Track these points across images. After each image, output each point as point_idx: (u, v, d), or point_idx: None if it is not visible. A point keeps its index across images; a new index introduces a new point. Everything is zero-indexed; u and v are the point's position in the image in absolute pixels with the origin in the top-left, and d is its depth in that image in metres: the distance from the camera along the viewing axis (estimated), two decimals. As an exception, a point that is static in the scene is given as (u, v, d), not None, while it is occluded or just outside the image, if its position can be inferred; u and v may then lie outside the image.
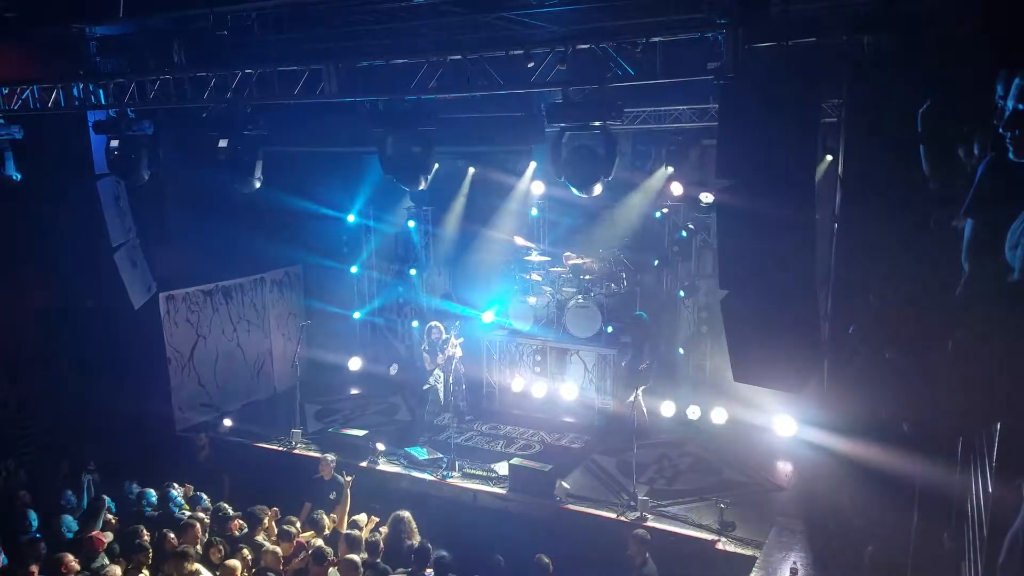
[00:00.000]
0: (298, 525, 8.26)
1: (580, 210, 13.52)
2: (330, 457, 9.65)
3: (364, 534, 8.17)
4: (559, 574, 7.72)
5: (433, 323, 12.01)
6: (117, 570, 7.10)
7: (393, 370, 13.35)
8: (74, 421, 11.67)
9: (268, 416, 12.83)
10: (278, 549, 7.60)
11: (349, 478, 9.04)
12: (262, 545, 7.64)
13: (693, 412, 11.50)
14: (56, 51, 9.00)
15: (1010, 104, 3.00)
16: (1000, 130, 3.07)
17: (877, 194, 6.43)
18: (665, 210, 13.20)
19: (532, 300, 12.98)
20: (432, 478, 10.36)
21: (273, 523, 8.31)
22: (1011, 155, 3.01)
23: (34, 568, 7.13)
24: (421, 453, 10.93)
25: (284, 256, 14.42)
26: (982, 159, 3.60)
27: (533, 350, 12.99)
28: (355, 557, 7.33)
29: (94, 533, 7.79)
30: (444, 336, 11.74)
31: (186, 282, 12.65)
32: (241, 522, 8.30)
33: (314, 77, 7.41)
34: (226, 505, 8.63)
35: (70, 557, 7.11)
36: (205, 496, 9.14)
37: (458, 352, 11.84)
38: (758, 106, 5.21)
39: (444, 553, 7.62)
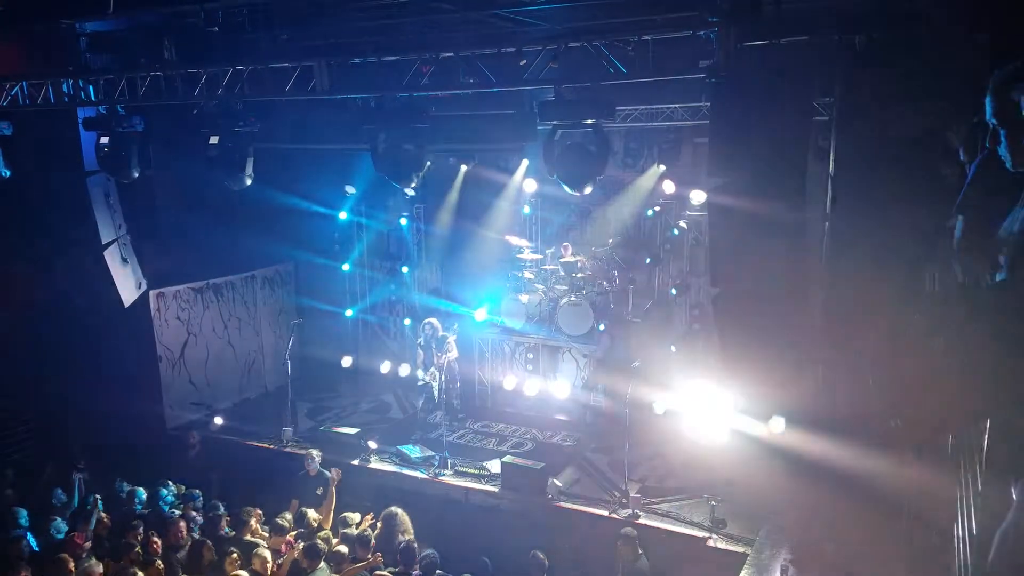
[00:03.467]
0: (289, 517, 8.25)
1: (572, 208, 13.55)
2: (315, 452, 9.62)
3: (357, 532, 8.15)
4: (551, 572, 7.73)
5: (429, 320, 11.98)
6: (98, 567, 7.05)
7: (385, 368, 13.32)
8: (64, 419, 11.61)
9: (259, 414, 12.75)
10: (268, 553, 7.52)
11: (336, 474, 9.02)
12: (252, 544, 7.59)
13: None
14: (45, 47, 8.93)
15: (989, 120, 3.01)
16: (986, 143, 3.09)
17: (868, 192, 6.45)
18: (657, 208, 13.20)
19: (524, 298, 12.96)
20: (424, 476, 10.34)
21: (258, 524, 8.26)
22: (1008, 166, 3.02)
23: (22, 570, 7.08)
24: (413, 451, 10.92)
25: (275, 253, 14.33)
26: (974, 158, 3.62)
27: (525, 348, 12.99)
28: (345, 549, 7.34)
29: (74, 534, 7.72)
30: (440, 334, 11.68)
31: (176, 279, 12.55)
32: (229, 518, 8.29)
33: (305, 74, 7.40)
34: (218, 503, 8.59)
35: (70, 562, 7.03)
36: (199, 493, 9.09)
37: (453, 351, 11.82)
38: (750, 104, 5.22)
39: (431, 551, 7.60)
